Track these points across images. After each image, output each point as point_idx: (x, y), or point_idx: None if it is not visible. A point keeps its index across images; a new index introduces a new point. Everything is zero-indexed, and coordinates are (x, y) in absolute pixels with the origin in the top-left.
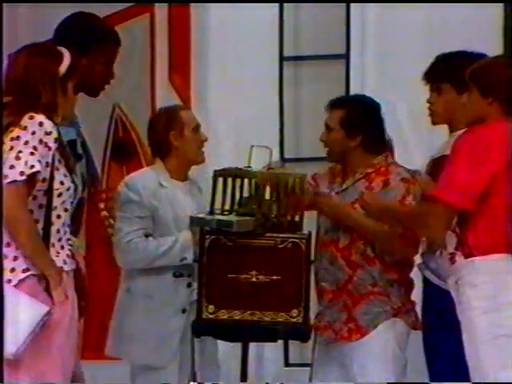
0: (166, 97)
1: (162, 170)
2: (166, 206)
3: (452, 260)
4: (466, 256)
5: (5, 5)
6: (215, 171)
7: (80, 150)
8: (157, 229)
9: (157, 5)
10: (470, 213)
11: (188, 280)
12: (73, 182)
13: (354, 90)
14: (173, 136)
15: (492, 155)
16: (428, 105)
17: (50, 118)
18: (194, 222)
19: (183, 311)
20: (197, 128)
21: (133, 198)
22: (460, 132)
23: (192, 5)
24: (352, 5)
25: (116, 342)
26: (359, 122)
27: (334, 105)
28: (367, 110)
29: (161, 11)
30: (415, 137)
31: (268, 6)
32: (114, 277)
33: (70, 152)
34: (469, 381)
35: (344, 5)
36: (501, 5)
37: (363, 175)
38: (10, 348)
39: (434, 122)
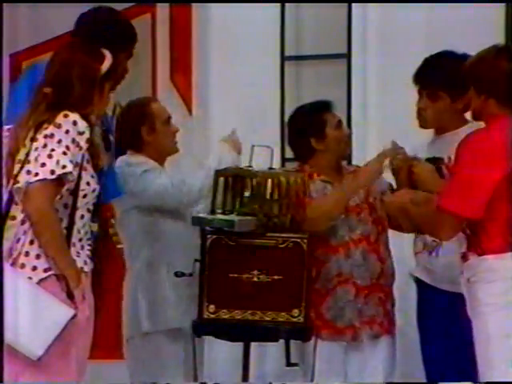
0: (167, 97)
1: (147, 158)
2: None
3: (465, 259)
4: (479, 256)
5: (5, 5)
6: (216, 171)
7: (112, 140)
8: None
9: (158, 5)
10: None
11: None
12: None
13: (356, 89)
14: (144, 131)
15: (496, 160)
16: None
17: (84, 116)
18: (195, 221)
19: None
20: (168, 120)
21: (142, 168)
22: (448, 134)
23: (193, 4)
24: (353, 4)
25: (150, 315)
26: None
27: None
28: None
29: (162, 11)
30: (416, 137)
31: (269, 5)
32: (116, 276)
33: (102, 141)
34: (467, 380)
35: (345, 4)
36: (503, 5)
37: (351, 171)
38: (35, 350)
39: (423, 127)
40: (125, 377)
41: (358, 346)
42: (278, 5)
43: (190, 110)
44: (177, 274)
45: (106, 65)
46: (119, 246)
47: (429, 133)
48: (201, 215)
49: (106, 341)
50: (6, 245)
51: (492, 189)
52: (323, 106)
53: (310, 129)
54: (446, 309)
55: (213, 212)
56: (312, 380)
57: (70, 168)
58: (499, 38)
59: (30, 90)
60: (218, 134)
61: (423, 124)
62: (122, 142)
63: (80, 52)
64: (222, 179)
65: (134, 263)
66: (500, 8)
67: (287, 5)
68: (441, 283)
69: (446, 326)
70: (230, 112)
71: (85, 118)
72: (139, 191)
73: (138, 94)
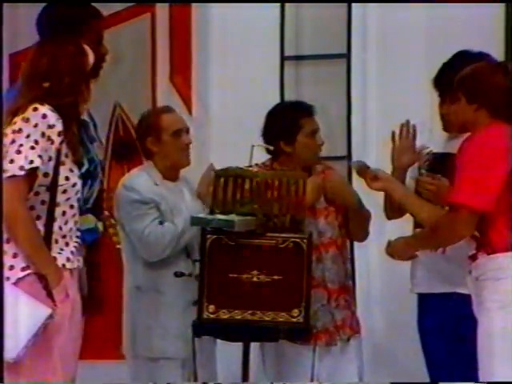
0: (167, 97)
1: (153, 170)
2: (164, 202)
3: (474, 259)
4: (489, 255)
5: (5, 5)
6: (216, 171)
7: (93, 133)
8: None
9: (158, 5)
10: (489, 214)
11: (194, 272)
12: (81, 176)
13: (355, 89)
14: (149, 142)
15: (504, 154)
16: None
17: (72, 107)
18: (195, 221)
19: (194, 303)
20: (178, 132)
21: (134, 196)
22: (465, 135)
23: (193, 4)
24: (353, 4)
25: (134, 339)
26: None
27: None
28: None
29: (162, 11)
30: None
31: (269, 5)
32: (114, 276)
33: (84, 134)
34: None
35: (345, 4)
36: (503, 5)
37: (319, 171)
38: (10, 352)
39: (448, 131)
40: (124, 377)
41: (330, 349)
42: (278, 5)
43: (189, 111)
44: (176, 274)
45: (90, 59)
46: (118, 246)
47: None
48: (201, 215)
49: (106, 341)
50: None
51: (503, 181)
52: (303, 110)
53: (282, 132)
54: (447, 312)
55: (212, 212)
56: (312, 380)
57: (37, 163)
58: (499, 38)
59: None
60: (219, 133)
61: (448, 129)
62: (140, 150)
63: (66, 45)
64: (221, 179)
65: (127, 278)
66: (500, 8)
67: (287, 5)
68: (446, 283)
69: (449, 328)
70: (229, 112)
71: (73, 109)
72: (124, 224)
73: (138, 93)
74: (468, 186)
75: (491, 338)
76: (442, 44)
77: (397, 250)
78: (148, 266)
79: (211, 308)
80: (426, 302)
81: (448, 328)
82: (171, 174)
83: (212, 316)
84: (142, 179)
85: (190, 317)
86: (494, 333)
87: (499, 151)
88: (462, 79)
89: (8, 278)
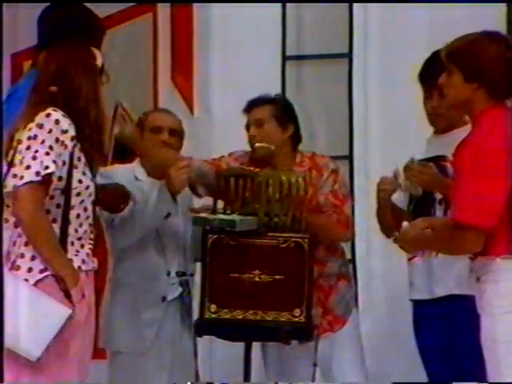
0: (168, 96)
1: (137, 166)
2: (140, 195)
3: (473, 259)
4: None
5: (5, 5)
6: (217, 170)
7: None
8: None
9: (159, 4)
10: None
11: (167, 268)
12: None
13: (357, 89)
14: (138, 139)
15: (503, 163)
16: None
17: (82, 112)
18: (197, 221)
19: (163, 299)
20: (156, 129)
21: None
22: (456, 131)
23: (194, 4)
24: (355, 4)
25: (101, 332)
26: (290, 114)
27: (259, 102)
28: (290, 104)
29: (163, 10)
30: (417, 136)
31: (271, 5)
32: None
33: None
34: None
35: (347, 4)
36: (504, 5)
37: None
38: (33, 351)
39: (435, 125)
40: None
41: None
42: (279, 4)
43: (191, 110)
44: (178, 274)
45: (99, 62)
46: None
47: (430, 132)
48: (202, 215)
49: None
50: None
51: (507, 194)
52: (250, 104)
53: None
54: (444, 316)
55: (214, 212)
56: (313, 380)
57: (52, 168)
58: None
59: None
60: (220, 133)
61: (436, 123)
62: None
63: (77, 50)
64: (223, 179)
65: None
66: (501, 7)
67: (288, 4)
68: (440, 287)
69: (446, 333)
70: (231, 112)
71: (85, 113)
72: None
73: (139, 93)
74: (473, 203)
75: (495, 342)
76: (443, 44)
77: (410, 239)
78: (120, 259)
79: (213, 308)
80: (423, 308)
81: (444, 333)
82: (156, 171)
83: (213, 316)
84: (118, 170)
85: (154, 312)
86: (497, 338)
87: (500, 159)
88: (457, 51)
89: (27, 280)
